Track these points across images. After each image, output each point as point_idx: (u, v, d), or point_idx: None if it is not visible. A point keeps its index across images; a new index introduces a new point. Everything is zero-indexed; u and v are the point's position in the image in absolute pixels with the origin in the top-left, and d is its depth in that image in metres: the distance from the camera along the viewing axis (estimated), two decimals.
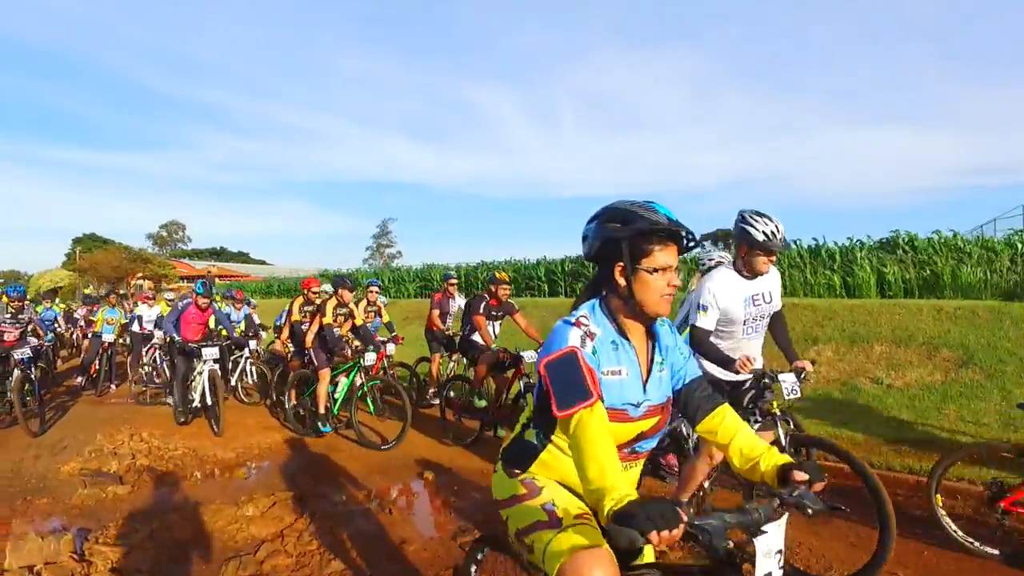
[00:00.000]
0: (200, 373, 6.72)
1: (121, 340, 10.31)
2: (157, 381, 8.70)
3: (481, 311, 5.89)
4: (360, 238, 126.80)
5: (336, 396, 6.32)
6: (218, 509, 4.06)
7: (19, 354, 6.58)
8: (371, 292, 7.73)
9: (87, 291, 32.61)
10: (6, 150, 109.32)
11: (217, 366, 6.69)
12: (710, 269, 4.27)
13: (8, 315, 7.03)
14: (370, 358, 6.17)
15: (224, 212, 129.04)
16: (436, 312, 7.68)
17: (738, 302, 3.13)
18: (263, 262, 77.46)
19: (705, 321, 3.09)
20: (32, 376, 6.69)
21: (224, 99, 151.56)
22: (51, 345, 7.62)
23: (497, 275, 6.06)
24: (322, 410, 6.21)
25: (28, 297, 7.64)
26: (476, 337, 6.04)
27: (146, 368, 9.98)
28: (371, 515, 4.06)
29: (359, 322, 6.63)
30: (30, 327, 7.18)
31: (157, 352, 10.12)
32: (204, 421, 6.80)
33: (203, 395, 6.69)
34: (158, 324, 10.27)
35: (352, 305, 6.54)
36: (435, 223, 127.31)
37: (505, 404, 5.69)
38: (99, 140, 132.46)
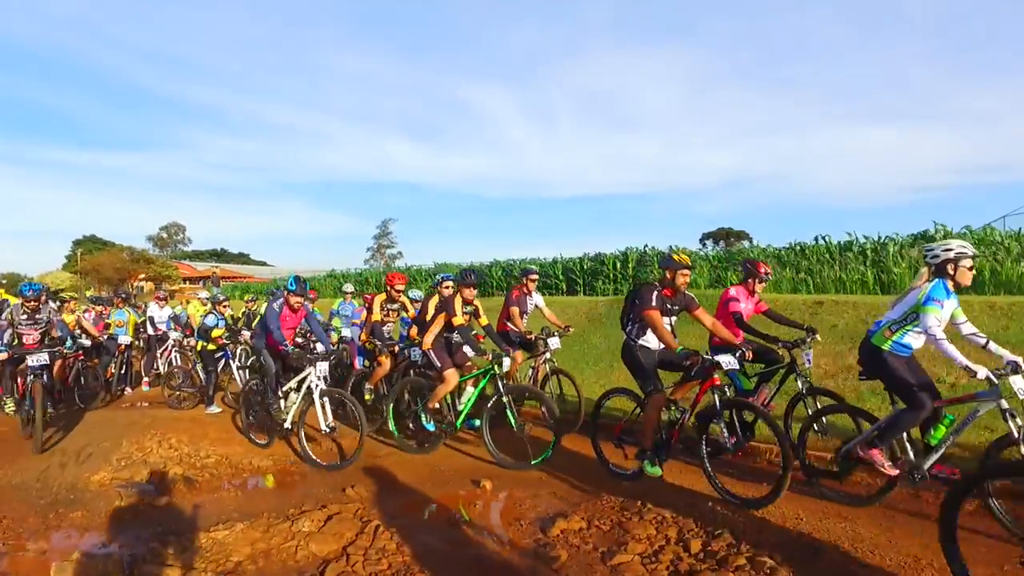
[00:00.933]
0: (295, 390, 5.65)
1: (137, 343, 9.98)
2: (186, 384, 8.25)
3: (654, 304, 4.31)
4: (360, 238, 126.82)
5: (461, 408, 5.50)
6: (270, 524, 3.73)
7: (34, 360, 5.98)
8: (445, 287, 6.76)
9: (89, 293, 32.28)
10: (5, 151, 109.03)
11: (326, 381, 5.53)
12: (946, 263, 3.63)
13: (24, 315, 6.48)
14: (506, 363, 5.27)
15: (224, 213, 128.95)
16: (516, 309, 6.64)
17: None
18: (264, 263, 77.14)
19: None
20: (46, 385, 6.05)
21: (222, 101, 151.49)
22: (74, 352, 7.11)
23: (675, 257, 4.47)
24: (433, 405, 5.50)
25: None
26: (648, 340, 4.49)
27: (162, 370, 9.71)
28: (437, 529, 3.75)
29: (484, 322, 5.80)
30: (49, 328, 6.62)
31: (173, 354, 9.82)
32: (236, 427, 6.46)
33: (300, 416, 5.54)
34: (178, 324, 9.97)
35: (478, 303, 5.79)
36: (435, 223, 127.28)
37: (687, 426, 4.39)
38: (99, 142, 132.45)
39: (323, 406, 5.36)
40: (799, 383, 4.66)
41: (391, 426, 5.80)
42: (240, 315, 11.19)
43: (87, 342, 8.08)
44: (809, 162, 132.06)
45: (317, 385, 5.43)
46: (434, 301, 6.36)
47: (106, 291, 40.67)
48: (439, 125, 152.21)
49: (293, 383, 5.67)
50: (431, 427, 5.54)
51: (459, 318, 5.44)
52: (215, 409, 7.47)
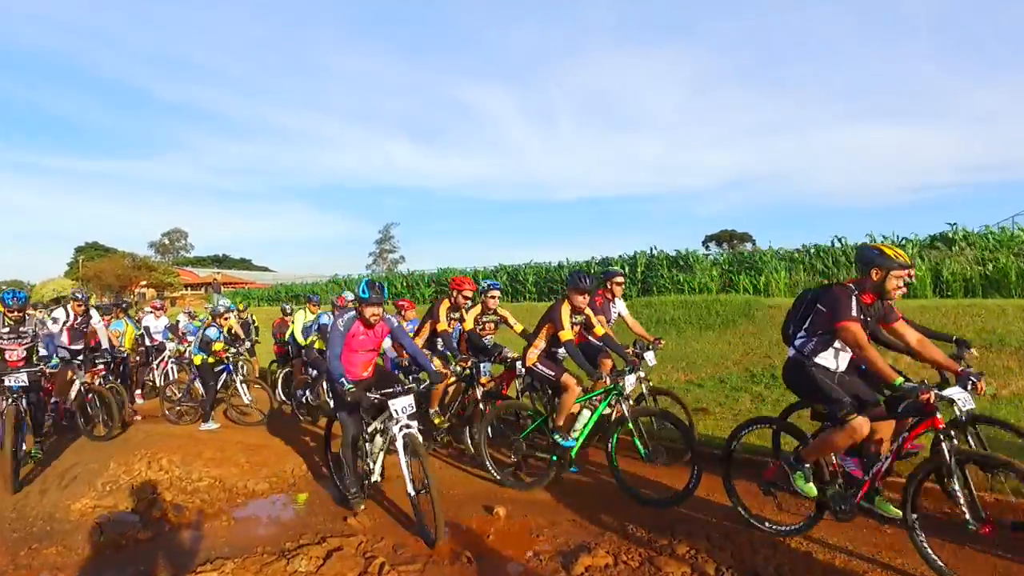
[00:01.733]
0: (379, 433, 4.31)
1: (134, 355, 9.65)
2: (186, 398, 7.84)
3: (855, 313, 3.15)
4: (362, 242, 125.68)
5: (576, 435, 4.57)
6: (263, 563, 3.39)
7: (11, 380, 5.27)
8: (491, 297, 5.82)
9: (91, 301, 31.97)
10: (7, 158, 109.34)
11: (415, 426, 4.03)
12: None
13: (6, 328, 5.78)
14: (631, 382, 4.44)
15: (224, 216, 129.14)
16: (601, 319, 5.41)
17: None
18: (266, 268, 76.92)
19: None
20: (24, 409, 5.32)
21: (222, 102, 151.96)
22: (55, 369, 6.37)
23: (888, 251, 3.20)
24: (560, 422, 4.57)
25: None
26: (826, 359, 3.37)
27: (158, 382, 9.38)
28: (447, 564, 3.39)
29: (600, 332, 4.87)
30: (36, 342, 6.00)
31: (170, 365, 9.49)
32: (235, 445, 6.08)
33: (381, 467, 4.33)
34: (175, 335, 9.65)
35: (589, 311, 4.87)
36: (436, 225, 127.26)
37: (880, 477, 3.27)
38: (100, 146, 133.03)
39: (405, 456, 3.91)
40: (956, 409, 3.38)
41: (489, 465, 4.86)
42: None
43: (107, 356, 7.45)
44: (809, 162, 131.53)
45: (403, 429, 3.96)
46: (476, 311, 5.81)
47: (107, 298, 40.42)
48: (439, 126, 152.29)
49: (378, 423, 4.33)
50: (570, 443, 4.55)
51: (567, 332, 4.59)
52: (212, 426, 7.13)
